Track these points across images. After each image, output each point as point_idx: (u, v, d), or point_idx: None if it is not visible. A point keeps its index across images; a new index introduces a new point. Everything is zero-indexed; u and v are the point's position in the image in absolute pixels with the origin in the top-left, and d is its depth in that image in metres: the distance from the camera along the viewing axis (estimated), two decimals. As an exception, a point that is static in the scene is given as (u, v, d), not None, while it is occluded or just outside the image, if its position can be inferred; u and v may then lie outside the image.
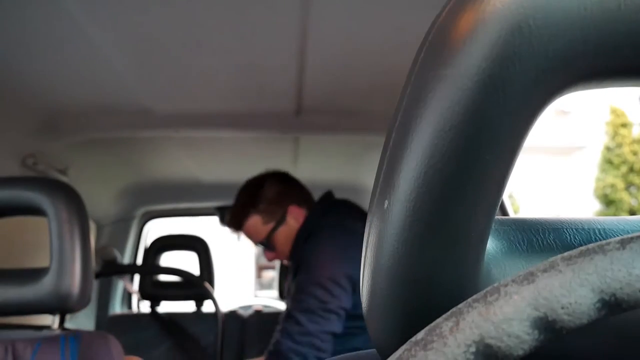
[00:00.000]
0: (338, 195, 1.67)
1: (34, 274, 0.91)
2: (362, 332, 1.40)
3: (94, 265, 0.98)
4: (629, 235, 0.19)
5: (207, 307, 2.18)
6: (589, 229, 0.29)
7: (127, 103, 1.46)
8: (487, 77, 0.22)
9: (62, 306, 0.92)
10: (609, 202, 10.88)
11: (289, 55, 1.17)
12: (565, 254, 0.19)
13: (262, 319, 2.14)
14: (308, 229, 1.51)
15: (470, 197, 0.24)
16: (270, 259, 1.65)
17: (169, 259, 2.31)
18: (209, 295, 2.06)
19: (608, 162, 11.02)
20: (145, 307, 2.19)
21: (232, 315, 2.14)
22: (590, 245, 0.19)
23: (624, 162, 10.87)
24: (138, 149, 1.88)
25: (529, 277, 0.19)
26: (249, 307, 2.35)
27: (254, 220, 1.57)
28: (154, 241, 2.22)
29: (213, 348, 2.02)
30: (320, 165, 2.20)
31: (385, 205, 0.26)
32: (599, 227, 0.29)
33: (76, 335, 0.96)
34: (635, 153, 10.85)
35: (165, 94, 1.42)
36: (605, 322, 0.22)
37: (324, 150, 1.99)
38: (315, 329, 1.33)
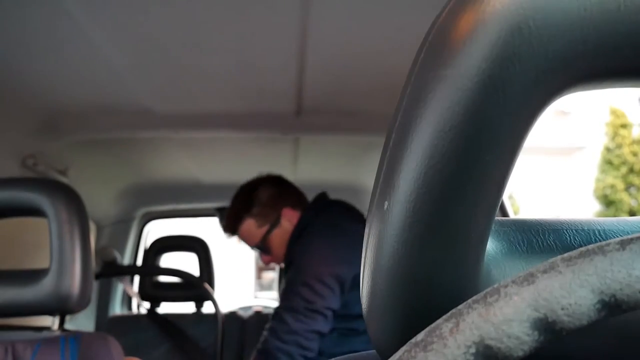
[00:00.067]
0: (338, 195, 1.67)
1: (34, 275, 0.91)
2: (356, 333, 1.41)
3: (93, 266, 0.98)
4: (629, 236, 0.19)
5: (207, 308, 2.18)
6: (588, 230, 0.29)
7: (127, 103, 1.46)
8: (487, 78, 0.22)
9: (62, 307, 0.92)
10: (608, 202, 10.89)
11: (289, 55, 1.17)
12: (565, 255, 0.19)
13: (262, 320, 2.13)
14: (300, 229, 1.51)
15: (470, 198, 0.24)
16: (266, 263, 1.66)
17: (168, 260, 2.31)
18: (209, 297, 2.06)
19: (608, 163, 11.02)
20: (145, 308, 2.18)
21: (232, 316, 2.14)
22: (590, 246, 0.19)
23: (624, 162, 10.87)
24: (138, 150, 1.88)
25: (529, 278, 0.19)
26: (249, 308, 2.34)
27: (249, 224, 1.58)
28: (154, 242, 2.22)
29: (213, 349, 2.02)
30: (321, 166, 2.19)
31: (385, 206, 0.26)
32: (599, 228, 0.29)
33: (76, 336, 0.96)
34: (635, 154, 10.86)
35: (165, 94, 1.42)
36: (605, 323, 0.22)
37: (324, 150, 1.99)
38: (300, 328, 1.35)
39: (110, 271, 2.09)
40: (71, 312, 0.95)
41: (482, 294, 0.20)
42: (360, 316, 1.40)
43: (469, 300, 0.20)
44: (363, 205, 2.31)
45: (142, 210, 2.39)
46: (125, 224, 2.33)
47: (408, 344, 0.20)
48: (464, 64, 0.22)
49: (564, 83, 0.23)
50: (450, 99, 0.23)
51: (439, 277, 0.26)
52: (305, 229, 1.50)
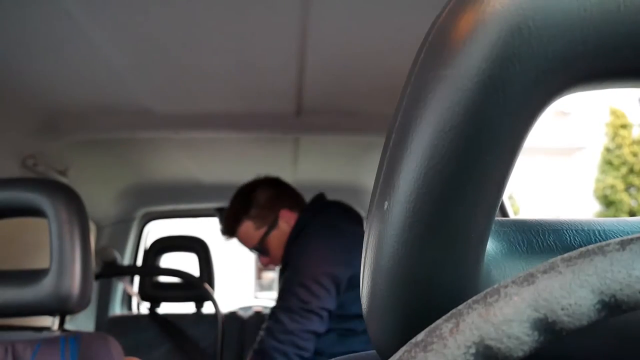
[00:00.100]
0: (338, 195, 1.67)
1: (34, 275, 0.91)
2: (354, 334, 1.41)
3: (93, 266, 0.98)
4: (629, 237, 0.19)
5: (207, 308, 2.18)
6: (588, 230, 0.29)
7: (127, 103, 1.46)
8: (487, 78, 0.22)
9: (62, 307, 0.92)
10: (608, 203, 10.89)
11: (289, 55, 1.17)
12: (565, 255, 0.19)
13: (262, 320, 2.13)
14: (298, 230, 1.52)
15: (470, 198, 0.24)
16: (265, 264, 1.67)
17: (168, 260, 2.31)
18: (209, 297, 2.06)
19: (608, 163, 11.02)
20: (145, 308, 2.18)
21: (232, 316, 2.14)
22: (590, 247, 0.19)
23: (624, 163, 10.87)
24: (138, 150, 1.88)
25: (529, 279, 0.19)
26: (249, 308, 2.34)
27: (247, 226, 1.59)
28: (154, 242, 2.22)
29: (213, 349, 2.02)
30: (321, 166, 2.19)
31: (385, 206, 0.26)
32: (599, 228, 0.29)
33: (76, 336, 0.96)
34: (635, 154, 10.85)
35: (165, 94, 1.42)
36: (605, 323, 0.22)
37: (324, 150, 1.99)
38: (296, 328, 1.35)
39: (110, 271, 2.09)
40: (71, 312, 0.95)
41: (482, 294, 0.20)
42: (357, 316, 1.41)
43: (469, 301, 0.20)
44: (363, 205, 2.31)
45: (142, 211, 2.39)
46: (125, 224, 2.33)
47: (408, 344, 0.20)
48: (464, 64, 0.22)
49: (564, 83, 0.23)
50: (450, 99, 0.23)
51: (439, 277, 0.26)
52: (302, 230, 1.50)
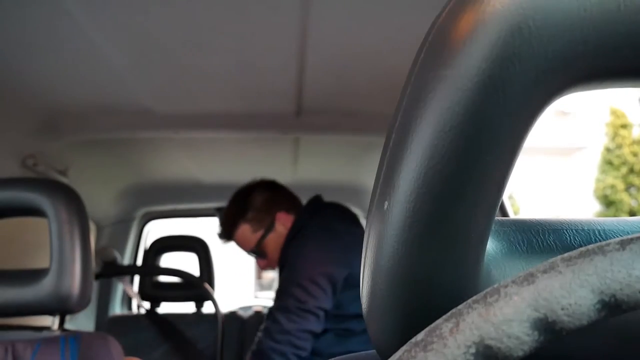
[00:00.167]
0: (338, 195, 1.67)
1: (34, 275, 0.91)
2: (352, 334, 1.41)
3: (93, 266, 0.98)
4: (629, 237, 0.19)
5: (207, 308, 2.18)
6: (588, 230, 0.29)
7: (127, 103, 1.46)
8: (487, 78, 0.22)
9: (62, 307, 0.92)
10: (608, 203, 10.88)
11: (289, 55, 1.17)
12: (565, 255, 0.19)
13: (262, 319, 2.13)
14: (294, 232, 1.53)
15: (470, 198, 0.24)
16: (262, 267, 1.67)
17: (168, 260, 2.31)
18: (209, 296, 2.06)
19: (608, 163, 11.02)
20: (145, 308, 2.18)
21: (232, 316, 2.14)
22: (590, 246, 0.19)
23: (624, 163, 10.87)
24: (138, 150, 1.88)
25: (529, 278, 0.19)
26: (249, 308, 2.34)
27: (243, 230, 1.60)
28: (154, 242, 2.22)
29: (213, 349, 2.02)
30: (320, 166, 2.19)
31: (385, 206, 0.26)
32: (599, 228, 0.29)
33: (76, 336, 0.96)
34: (635, 154, 10.85)
35: (165, 94, 1.42)
36: (605, 323, 0.22)
37: (324, 150, 1.99)
38: (293, 328, 1.36)
39: (110, 271, 2.09)
40: (71, 312, 0.95)
41: (482, 294, 0.20)
42: (355, 316, 1.41)
43: (469, 300, 0.20)
44: (363, 205, 2.31)
45: (142, 210, 2.39)
46: (125, 224, 2.33)
47: (408, 343, 0.20)
48: (464, 64, 0.22)
49: (564, 83, 0.23)
50: (450, 99, 0.23)
51: (439, 277, 0.26)
52: (299, 232, 1.51)
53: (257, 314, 2.18)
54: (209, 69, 1.24)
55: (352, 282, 1.41)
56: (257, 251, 1.60)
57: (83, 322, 2.15)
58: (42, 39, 1.05)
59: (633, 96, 10.90)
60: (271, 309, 1.43)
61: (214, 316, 2.04)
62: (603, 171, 11.04)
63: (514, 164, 0.24)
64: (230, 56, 1.18)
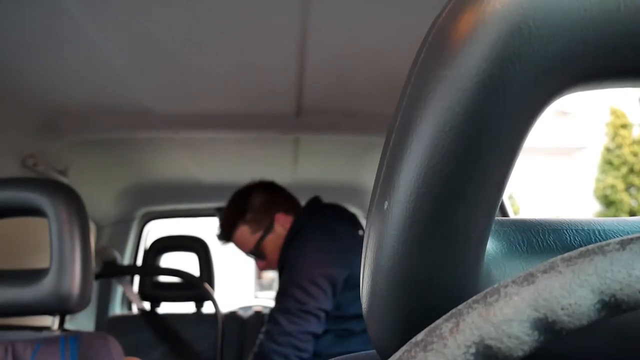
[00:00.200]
0: (338, 195, 1.67)
1: (34, 275, 0.91)
2: (352, 334, 1.41)
3: (93, 266, 0.98)
4: (629, 237, 0.19)
5: (207, 308, 2.17)
6: (588, 230, 0.29)
7: (127, 103, 1.46)
8: (487, 78, 0.22)
9: (62, 307, 0.92)
10: (609, 203, 10.88)
11: (289, 55, 1.17)
12: (565, 255, 0.19)
13: (262, 320, 2.13)
14: (293, 233, 1.53)
15: (470, 198, 0.24)
16: (261, 269, 1.67)
17: (168, 260, 2.31)
18: (209, 296, 2.06)
19: (608, 163, 11.02)
20: (145, 308, 2.18)
21: (232, 316, 2.14)
22: (590, 246, 0.19)
23: (624, 163, 10.87)
24: (138, 150, 1.88)
25: (529, 278, 0.19)
26: (249, 308, 2.34)
27: (242, 231, 1.60)
28: (154, 242, 2.22)
29: (213, 349, 2.02)
30: (320, 166, 2.19)
31: (385, 206, 0.26)
32: (599, 228, 0.29)
33: (76, 336, 0.96)
34: (635, 154, 10.85)
35: (165, 94, 1.42)
36: (605, 323, 0.22)
37: (324, 150, 1.99)
38: (294, 330, 1.36)
39: (110, 271, 2.09)
40: (71, 312, 0.95)
41: (482, 294, 0.20)
42: (354, 317, 1.41)
43: (469, 300, 0.20)
44: (363, 205, 2.31)
45: (142, 210, 2.39)
46: (125, 224, 2.33)
47: (408, 343, 0.20)
48: (464, 64, 0.22)
49: (564, 83, 0.23)
50: (450, 99, 0.23)
51: (439, 277, 0.26)
52: (298, 233, 1.51)
53: (257, 314, 2.18)
54: (209, 69, 1.24)
55: (352, 283, 1.41)
56: (256, 252, 1.60)
57: (83, 322, 2.15)
58: (42, 39, 1.05)
59: (633, 96, 10.90)
60: (272, 311, 1.43)
61: (214, 316, 2.04)
62: (603, 171, 11.04)
63: (514, 164, 0.24)
64: (230, 56, 1.18)
